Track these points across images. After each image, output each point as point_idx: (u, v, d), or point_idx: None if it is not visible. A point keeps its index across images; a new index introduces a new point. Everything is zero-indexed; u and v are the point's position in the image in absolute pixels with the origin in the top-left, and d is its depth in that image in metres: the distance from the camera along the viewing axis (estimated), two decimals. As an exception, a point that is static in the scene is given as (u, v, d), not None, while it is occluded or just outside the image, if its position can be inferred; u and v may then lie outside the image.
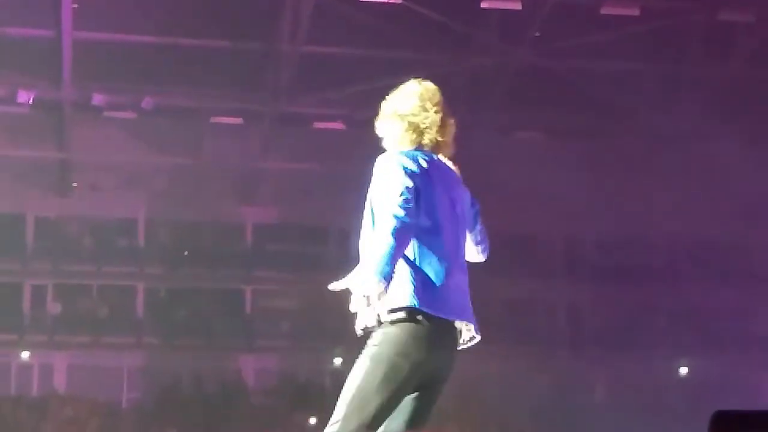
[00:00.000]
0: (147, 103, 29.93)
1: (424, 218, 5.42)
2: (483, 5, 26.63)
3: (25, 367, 33.24)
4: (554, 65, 30.14)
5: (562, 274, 35.77)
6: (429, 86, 5.66)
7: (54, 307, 33.70)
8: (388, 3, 26.44)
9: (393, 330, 5.27)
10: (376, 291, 5.10)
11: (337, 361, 32.04)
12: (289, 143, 32.42)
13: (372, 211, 5.48)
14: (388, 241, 5.23)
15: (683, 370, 35.71)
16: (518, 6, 26.50)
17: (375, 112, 5.66)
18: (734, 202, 32.79)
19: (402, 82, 5.65)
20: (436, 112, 5.58)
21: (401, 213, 5.28)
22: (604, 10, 27.10)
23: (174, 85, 30.68)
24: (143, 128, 32.07)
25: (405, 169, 5.40)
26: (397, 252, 5.25)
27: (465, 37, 29.48)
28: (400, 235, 5.26)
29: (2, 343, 32.73)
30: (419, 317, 5.28)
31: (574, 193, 33.06)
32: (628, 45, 29.17)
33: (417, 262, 5.41)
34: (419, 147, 5.57)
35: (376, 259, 5.18)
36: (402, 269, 5.34)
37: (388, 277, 5.15)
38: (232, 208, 34.63)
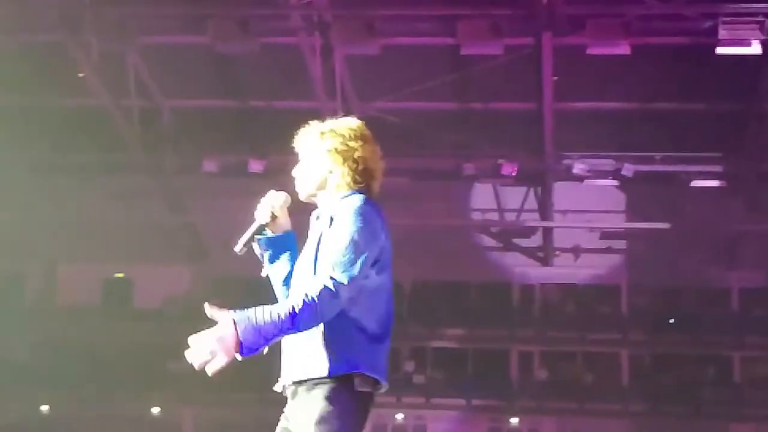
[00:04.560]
0: (627, 170, 29.93)
1: (375, 274, 4.90)
2: None
3: (515, 432, 34.10)
4: None
5: None
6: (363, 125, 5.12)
7: (541, 374, 34.34)
8: None
9: (340, 397, 4.82)
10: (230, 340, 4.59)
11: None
12: (775, 203, 31.22)
13: (317, 252, 4.93)
14: (297, 318, 4.66)
15: None
16: None
17: None
18: None
19: None
20: (378, 153, 5.10)
21: (340, 293, 4.72)
22: None
23: (653, 150, 30.52)
24: (623, 195, 32.20)
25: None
26: (285, 332, 4.68)
27: None
28: (312, 320, 4.70)
29: (492, 408, 33.75)
30: (363, 382, 4.85)
31: None
32: None
33: (364, 319, 4.87)
34: (364, 191, 5.01)
35: (264, 318, 4.61)
36: (346, 325, 4.82)
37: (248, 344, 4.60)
38: (715, 272, 33.76)
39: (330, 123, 5.16)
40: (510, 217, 32.97)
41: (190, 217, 33.56)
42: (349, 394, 4.85)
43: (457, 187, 32.91)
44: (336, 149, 5.05)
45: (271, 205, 5.20)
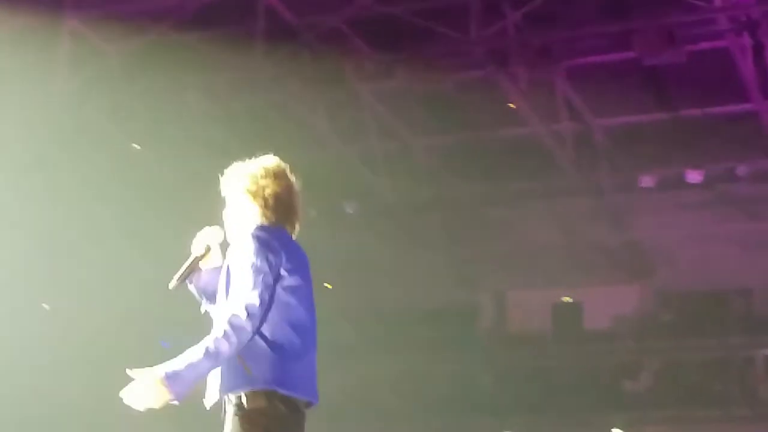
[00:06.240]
0: None
1: (283, 287, 5.09)
2: None
3: None
4: None
5: None
6: (281, 162, 5.44)
7: None
8: None
9: (251, 417, 4.97)
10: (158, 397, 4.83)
11: None
12: None
13: (226, 283, 5.17)
14: (213, 354, 4.87)
15: None
16: None
17: None
18: None
19: None
20: (293, 188, 5.39)
21: (250, 314, 4.90)
22: None
23: None
24: None
25: (273, 241, 5.12)
26: (209, 369, 4.89)
27: None
28: (225, 353, 4.87)
29: None
30: (277, 401, 5.00)
31: None
32: None
33: (276, 335, 5.04)
34: (280, 226, 5.30)
35: (184, 364, 4.82)
36: (258, 344, 4.99)
37: (177, 392, 4.83)
38: None
39: (246, 164, 5.61)
40: None
41: (632, 234, 33.28)
42: (263, 412, 5.05)
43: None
44: (247, 189, 5.44)
45: (208, 239, 5.54)
